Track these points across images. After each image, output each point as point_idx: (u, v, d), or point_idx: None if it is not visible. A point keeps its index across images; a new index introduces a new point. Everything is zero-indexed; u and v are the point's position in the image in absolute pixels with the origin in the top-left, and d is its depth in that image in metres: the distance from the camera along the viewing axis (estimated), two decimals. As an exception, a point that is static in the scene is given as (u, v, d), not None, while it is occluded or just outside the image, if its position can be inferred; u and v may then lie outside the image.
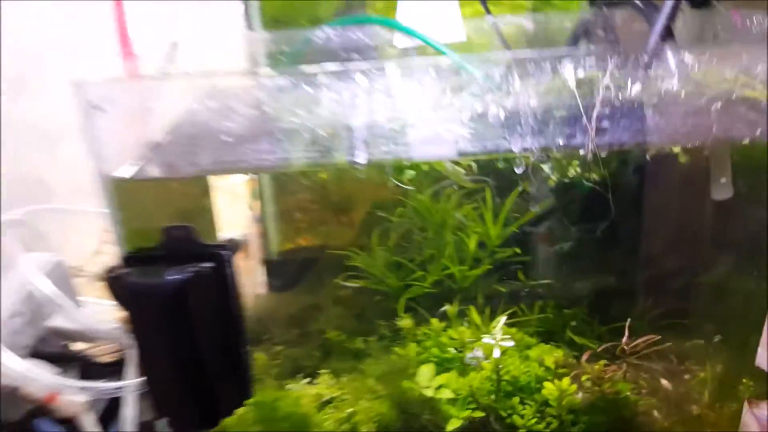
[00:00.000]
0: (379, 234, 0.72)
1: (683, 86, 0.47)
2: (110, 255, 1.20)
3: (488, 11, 0.77)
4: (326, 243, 0.87)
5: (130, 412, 0.76)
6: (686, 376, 0.61)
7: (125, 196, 0.50)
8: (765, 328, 0.42)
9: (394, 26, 0.73)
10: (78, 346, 0.87)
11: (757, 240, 0.56)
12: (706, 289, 0.61)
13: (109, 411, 0.78)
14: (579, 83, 0.43)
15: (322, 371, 0.67)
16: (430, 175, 0.66)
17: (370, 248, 0.72)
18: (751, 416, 0.44)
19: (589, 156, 0.44)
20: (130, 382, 0.76)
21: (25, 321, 0.82)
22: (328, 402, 0.63)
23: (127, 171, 0.49)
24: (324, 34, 0.75)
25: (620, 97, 0.45)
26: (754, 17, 0.62)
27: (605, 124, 0.45)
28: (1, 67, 0.97)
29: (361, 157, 0.46)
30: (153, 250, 0.50)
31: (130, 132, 0.49)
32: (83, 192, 1.15)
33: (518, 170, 0.49)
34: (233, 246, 0.94)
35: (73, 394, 0.73)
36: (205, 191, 0.59)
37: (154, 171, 0.51)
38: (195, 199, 0.59)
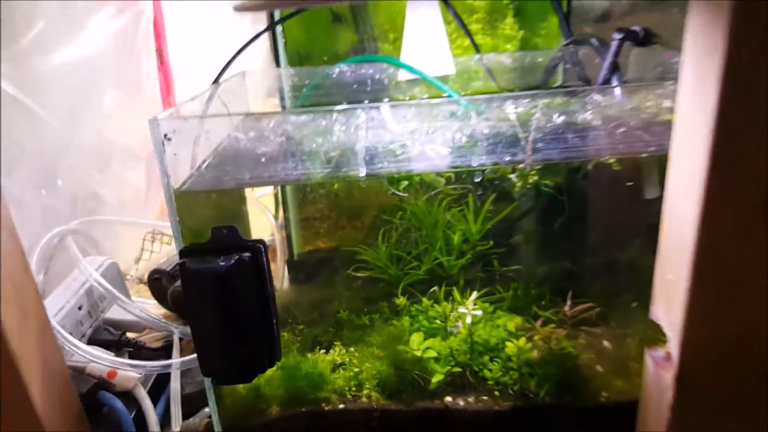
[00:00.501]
0: (383, 233, 0.88)
1: (618, 111, 0.63)
2: (149, 261, 1.39)
3: (477, 50, 0.94)
4: (340, 243, 1.03)
5: (175, 386, 0.92)
6: (626, 339, 0.77)
7: (184, 204, 0.66)
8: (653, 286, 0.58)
9: (395, 63, 0.90)
10: (129, 335, 1.03)
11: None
12: (635, 267, 0.77)
13: (158, 386, 0.94)
14: (519, 116, 0.60)
15: (336, 343, 0.83)
16: (424, 185, 0.82)
17: (376, 245, 0.88)
18: (648, 358, 0.60)
19: (527, 169, 0.60)
20: (174, 362, 0.92)
21: (85, 313, 0.99)
22: (340, 365, 0.79)
23: (185, 185, 0.66)
24: (340, 70, 0.93)
25: (553, 124, 0.61)
26: (676, 58, 0.78)
27: (540, 145, 0.61)
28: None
29: (362, 172, 0.63)
30: (204, 245, 0.67)
31: (188, 155, 0.65)
32: (127, 204, 1.34)
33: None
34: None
35: (128, 372, 0.90)
36: (242, 200, 0.75)
37: (204, 184, 0.68)
38: (236, 206, 0.75)
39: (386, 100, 0.97)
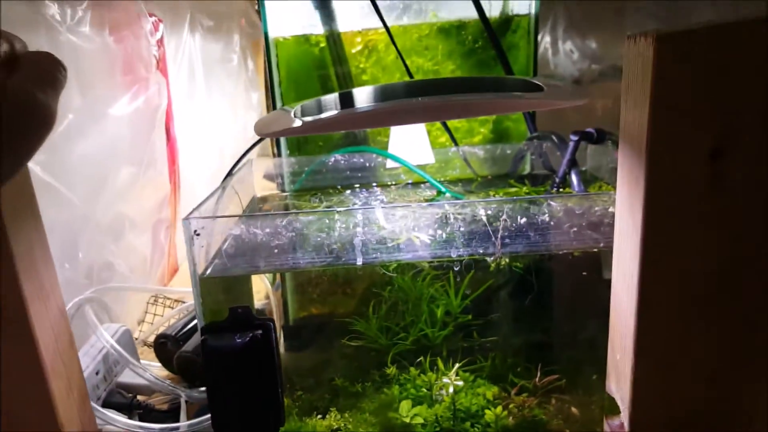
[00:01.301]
0: (373, 305, 0.98)
1: (566, 212, 0.75)
2: (153, 323, 1.47)
3: (455, 143, 1.07)
4: (333, 309, 1.13)
5: (185, 446, 1.00)
6: (591, 406, 0.87)
7: (206, 287, 0.77)
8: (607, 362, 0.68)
9: (383, 154, 1.03)
10: (140, 398, 1.11)
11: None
12: (595, 343, 0.88)
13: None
14: (488, 217, 0.72)
15: (332, 409, 0.92)
16: (411, 264, 0.93)
17: (367, 315, 0.98)
18: (607, 427, 0.70)
19: (498, 260, 0.72)
20: (183, 425, 1.00)
21: (102, 377, 1.08)
22: (336, 430, 0.88)
23: (207, 271, 0.76)
24: (335, 158, 1.05)
25: (518, 222, 0.73)
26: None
27: (507, 240, 0.73)
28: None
29: (359, 261, 0.74)
30: (222, 323, 0.77)
31: (212, 246, 0.76)
32: (135, 271, 1.43)
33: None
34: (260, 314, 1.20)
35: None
36: (251, 282, 0.86)
37: (225, 270, 0.78)
38: (246, 286, 0.86)
39: (374, 185, 1.10)
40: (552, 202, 0.70)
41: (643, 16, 1.49)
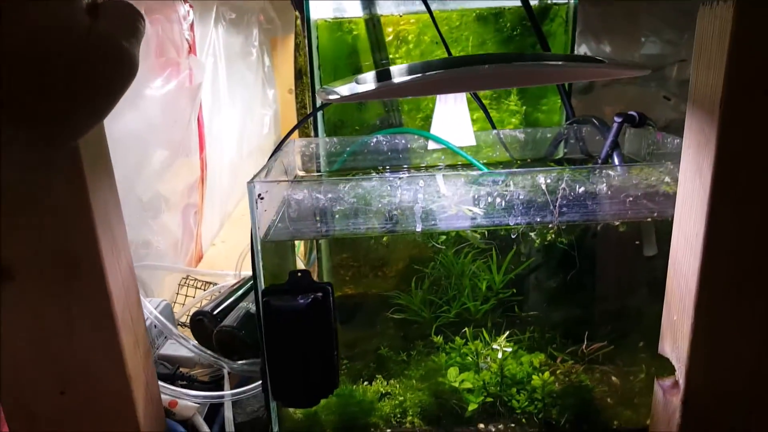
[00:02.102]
0: (415, 281, 1.01)
1: (622, 181, 0.78)
2: (184, 305, 1.49)
3: (493, 126, 1.09)
4: (369, 290, 1.15)
5: (228, 415, 1.02)
6: (635, 374, 0.89)
7: (265, 251, 0.79)
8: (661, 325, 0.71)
9: (425, 135, 1.06)
10: (183, 370, 1.13)
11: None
12: (638, 313, 0.91)
13: (208, 418, 1.04)
14: (548, 186, 0.74)
15: (377, 377, 0.94)
16: (456, 240, 0.96)
17: (409, 291, 1.01)
18: (657, 387, 0.72)
19: (555, 228, 0.74)
20: (227, 393, 1.03)
21: (145, 349, 1.10)
22: (386, 395, 0.90)
23: (268, 235, 0.79)
24: (377, 139, 1.07)
25: (574, 192, 0.75)
26: (668, 138, 0.94)
27: (564, 210, 0.75)
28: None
29: (418, 227, 0.77)
30: (282, 286, 0.79)
31: (274, 210, 0.78)
32: (168, 251, 1.45)
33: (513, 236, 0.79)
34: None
35: (187, 402, 1.00)
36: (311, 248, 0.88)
37: (287, 235, 0.81)
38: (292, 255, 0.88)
39: (423, 165, 1.12)
40: (609, 172, 0.73)
41: (656, 20, 1.52)
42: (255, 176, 0.77)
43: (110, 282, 0.66)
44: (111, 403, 0.69)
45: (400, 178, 0.74)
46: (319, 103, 1.13)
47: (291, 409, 0.88)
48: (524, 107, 1.25)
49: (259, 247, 0.77)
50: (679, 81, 1.47)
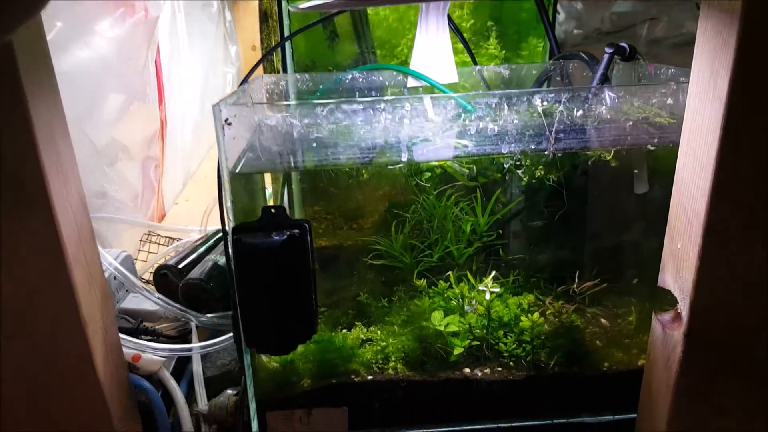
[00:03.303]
0: (395, 225, 0.95)
1: (614, 113, 0.73)
2: (146, 261, 1.40)
3: (475, 62, 1.03)
4: (345, 241, 1.09)
5: (197, 369, 0.95)
6: (621, 319, 0.86)
7: (236, 184, 0.72)
8: (663, 255, 0.67)
9: (404, 71, 0.99)
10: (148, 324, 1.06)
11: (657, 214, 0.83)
12: (629, 252, 0.87)
13: (176, 374, 0.98)
14: (543, 110, 0.68)
15: (357, 324, 0.89)
16: (440, 178, 0.90)
17: (389, 237, 0.95)
18: (656, 322, 0.68)
19: (550, 156, 0.69)
20: (196, 345, 0.96)
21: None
22: (367, 341, 0.85)
23: (238, 166, 0.71)
24: (353, 76, 1.00)
25: (570, 119, 0.70)
26: (661, 69, 0.89)
27: (560, 136, 0.70)
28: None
29: (403, 157, 0.70)
30: (254, 223, 0.72)
31: (244, 138, 0.71)
32: (126, 205, 1.36)
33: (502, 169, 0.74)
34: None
35: (152, 356, 0.93)
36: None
37: (259, 166, 0.73)
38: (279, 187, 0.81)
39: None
40: (610, 93, 0.68)
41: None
42: (221, 100, 0.69)
43: (59, 213, 0.59)
44: (65, 348, 0.62)
45: (384, 101, 0.67)
46: (287, 25, 1.04)
47: (266, 358, 0.83)
48: (504, 52, 1.18)
49: (227, 180, 0.70)
50: (649, 40, 1.44)
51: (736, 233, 0.57)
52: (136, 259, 1.40)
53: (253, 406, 0.79)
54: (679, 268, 0.62)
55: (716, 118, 0.54)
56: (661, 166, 0.86)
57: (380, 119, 0.68)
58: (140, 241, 1.42)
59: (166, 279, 1.18)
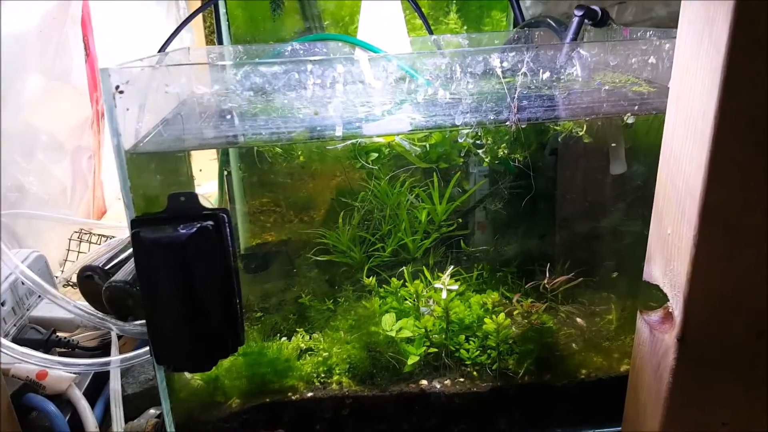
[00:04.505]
0: (343, 216, 0.83)
1: (585, 81, 0.62)
2: (77, 263, 1.26)
3: (430, 31, 0.92)
4: (292, 236, 0.97)
5: (115, 386, 0.82)
6: (596, 318, 0.76)
7: (137, 168, 0.59)
8: (648, 245, 0.56)
9: (352, 42, 0.86)
10: (60, 335, 0.93)
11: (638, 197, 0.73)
12: (607, 241, 0.76)
13: (95, 388, 0.85)
14: (504, 73, 0.57)
15: (298, 330, 0.77)
16: (390, 160, 0.78)
17: (337, 228, 0.83)
18: (642, 323, 0.58)
19: (513, 128, 0.58)
20: (114, 359, 0.83)
21: (9, 310, 0.88)
22: (307, 351, 0.73)
23: (138, 145, 0.59)
24: (293, 47, 0.88)
25: (535, 83, 0.59)
26: (638, 32, 0.79)
27: (524, 104, 0.59)
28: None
29: (338, 131, 0.58)
30: (160, 214, 0.60)
31: (144, 111, 0.58)
32: (52, 201, 1.22)
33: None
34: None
35: (60, 372, 0.80)
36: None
37: (162, 144, 0.61)
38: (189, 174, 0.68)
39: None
40: (582, 50, 0.57)
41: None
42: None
43: None
44: None
45: (312, 62, 0.55)
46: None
47: (189, 376, 0.70)
48: (465, 27, 1.07)
49: (124, 161, 0.57)
50: (619, 24, 1.35)
51: (740, 214, 0.47)
52: (65, 260, 1.26)
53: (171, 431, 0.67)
54: (669, 258, 0.51)
55: (713, 74, 0.43)
56: (641, 141, 0.76)
57: (308, 83, 0.56)
58: (70, 240, 1.27)
59: (91, 282, 1.04)
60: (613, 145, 0.75)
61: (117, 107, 0.55)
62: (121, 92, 0.54)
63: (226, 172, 0.88)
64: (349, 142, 0.68)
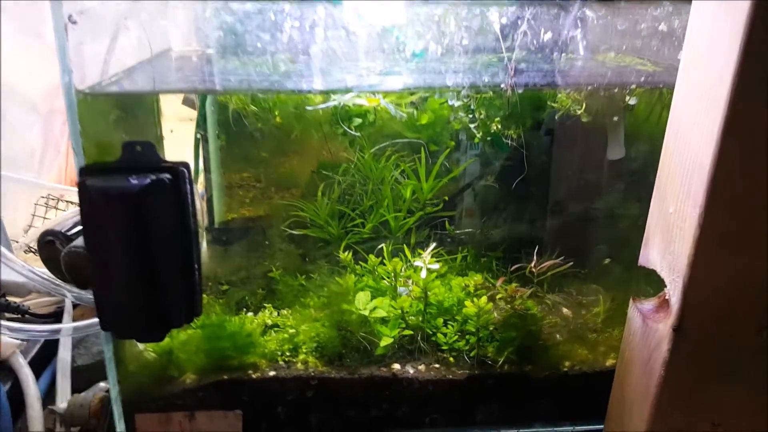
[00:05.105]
0: (326, 188, 0.78)
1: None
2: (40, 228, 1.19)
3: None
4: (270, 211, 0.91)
5: (64, 356, 0.77)
6: (583, 310, 0.71)
7: (90, 112, 0.53)
8: (647, 227, 0.51)
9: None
10: (12, 298, 0.87)
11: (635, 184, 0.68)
12: (599, 227, 0.72)
13: (43, 358, 0.79)
14: (501, 29, 0.52)
15: (266, 305, 0.72)
16: (376, 130, 0.73)
17: (315, 201, 0.78)
18: (634, 311, 0.53)
19: (509, 92, 0.53)
20: (65, 326, 0.77)
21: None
22: (273, 327, 0.68)
23: (97, 86, 0.53)
24: None
25: (538, 40, 0.54)
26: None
27: (522, 66, 0.54)
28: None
29: (317, 83, 0.53)
30: (112, 163, 0.54)
31: (102, 48, 0.53)
32: (19, 164, 1.15)
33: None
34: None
35: (4, 338, 0.74)
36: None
37: (120, 86, 0.55)
38: (154, 117, 0.62)
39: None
40: (588, 11, 0.52)
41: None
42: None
43: None
44: None
45: (288, 2, 0.50)
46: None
47: (141, 347, 0.65)
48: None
49: (74, 102, 0.51)
50: None
51: (750, 192, 0.42)
52: (30, 226, 1.19)
53: (118, 406, 0.61)
54: (670, 239, 0.47)
55: (733, 36, 0.39)
56: (643, 128, 0.71)
57: (284, 26, 0.50)
58: (36, 205, 1.21)
59: (51, 247, 0.98)
60: (611, 130, 0.70)
61: (69, 40, 0.49)
62: (74, 22, 0.49)
63: (198, 135, 0.82)
64: (332, 103, 0.62)
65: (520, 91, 0.53)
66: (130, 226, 0.51)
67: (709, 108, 0.42)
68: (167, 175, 0.52)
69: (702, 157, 0.43)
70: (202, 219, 0.94)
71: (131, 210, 0.50)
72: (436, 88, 0.54)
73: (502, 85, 0.52)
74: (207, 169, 0.93)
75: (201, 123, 0.87)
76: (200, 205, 0.91)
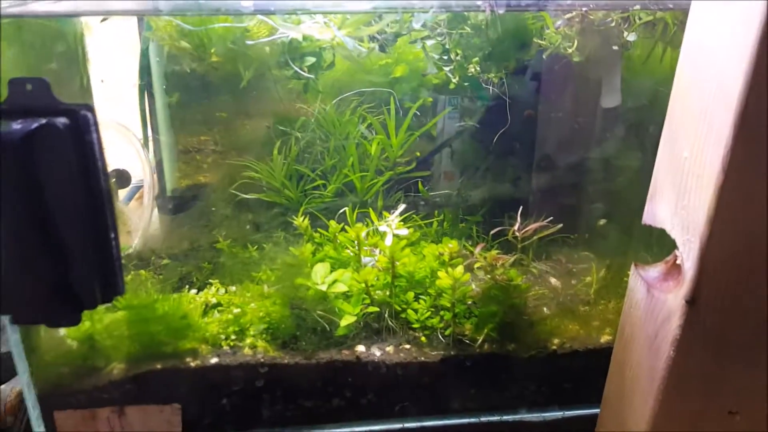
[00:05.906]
0: (279, 146, 0.68)
1: None
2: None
3: None
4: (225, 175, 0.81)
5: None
6: (573, 280, 0.63)
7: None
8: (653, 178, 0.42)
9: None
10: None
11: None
12: (593, 184, 0.63)
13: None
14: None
15: (212, 281, 0.62)
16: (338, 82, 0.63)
17: (270, 160, 0.68)
18: (637, 279, 0.44)
19: (488, 13, 0.43)
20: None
21: None
22: (216, 306, 0.58)
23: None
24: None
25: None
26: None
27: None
28: None
29: (247, 4, 0.43)
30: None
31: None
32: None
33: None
34: (123, 178, 0.86)
35: None
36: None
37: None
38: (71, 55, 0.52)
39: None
40: None
41: None
42: None
43: None
44: None
45: None
46: None
47: (62, 333, 0.55)
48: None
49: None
50: None
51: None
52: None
53: (32, 403, 0.52)
54: (683, 190, 0.38)
55: None
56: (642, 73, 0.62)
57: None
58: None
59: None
60: (606, 75, 0.61)
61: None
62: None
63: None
64: (277, 36, 0.52)
65: (501, 12, 0.43)
66: (15, 184, 0.41)
67: (741, 23, 0.33)
68: (63, 119, 0.42)
69: (729, 86, 0.34)
70: (153, 187, 0.84)
71: (16, 162, 0.41)
72: (401, 10, 0.44)
73: (480, 3, 0.42)
74: (154, 129, 0.82)
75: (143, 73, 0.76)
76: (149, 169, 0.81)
